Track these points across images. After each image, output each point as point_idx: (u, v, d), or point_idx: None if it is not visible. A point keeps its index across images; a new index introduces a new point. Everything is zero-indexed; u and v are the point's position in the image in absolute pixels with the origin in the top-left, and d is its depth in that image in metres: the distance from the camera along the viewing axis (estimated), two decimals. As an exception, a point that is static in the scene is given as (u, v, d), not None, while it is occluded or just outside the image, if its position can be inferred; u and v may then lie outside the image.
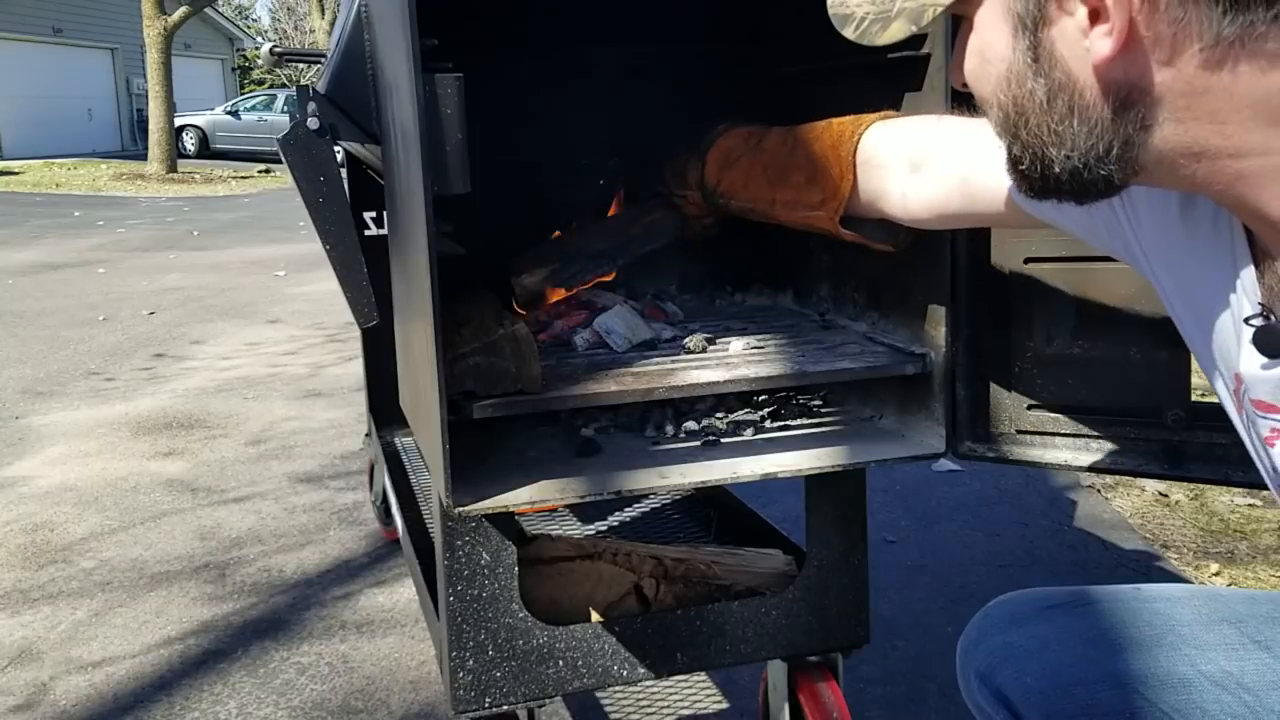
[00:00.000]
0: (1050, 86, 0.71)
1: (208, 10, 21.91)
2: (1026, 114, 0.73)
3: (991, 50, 0.74)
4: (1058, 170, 0.73)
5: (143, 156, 16.98)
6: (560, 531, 1.89)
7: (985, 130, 1.04)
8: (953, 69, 0.82)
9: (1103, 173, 0.72)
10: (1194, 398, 1.21)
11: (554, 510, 1.97)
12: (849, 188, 1.17)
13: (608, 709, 1.91)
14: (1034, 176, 0.76)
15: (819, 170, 1.21)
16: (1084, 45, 0.68)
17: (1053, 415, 1.27)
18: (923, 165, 1.10)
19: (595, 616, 1.36)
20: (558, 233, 1.63)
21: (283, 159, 1.31)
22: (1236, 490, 2.84)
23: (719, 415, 1.32)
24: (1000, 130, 0.77)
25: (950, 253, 1.20)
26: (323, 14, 24.97)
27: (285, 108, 19.44)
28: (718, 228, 1.52)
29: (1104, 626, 0.94)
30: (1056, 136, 0.72)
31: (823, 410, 1.37)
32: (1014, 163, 0.77)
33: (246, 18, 39.41)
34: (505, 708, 1.28)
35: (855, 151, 1.17)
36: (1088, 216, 0.91)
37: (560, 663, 1.29)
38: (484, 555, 1.24)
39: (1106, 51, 0.66)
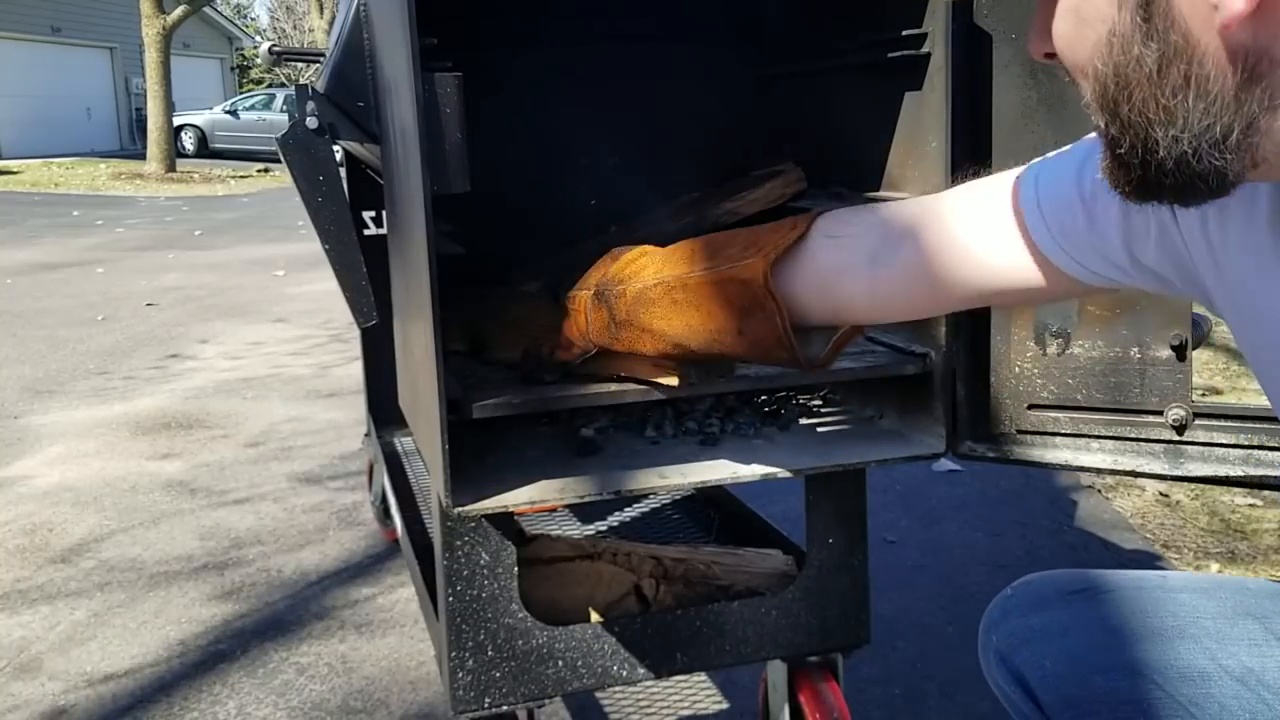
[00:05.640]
0: (1163, 53, 0.59)
1: (206, 9, 21.91)
2: (1130, 86, 0.61)
3: (1091, 8, 0.63)
4: (1162, 155, 0.62)
5: (141, 156, 16.97)
6: (560, 531, 1.89)
7: (976, 190, 0.88)
8: (1035, 35, 0.69)
9: (1215, 163, 0.60)
10: (1194, 398, 1.21)
11: (554, 510, 1.97)
12: (798, 234, 0.93)
13: (608, 709, 1.90)
14: (1134, 164, 0.64)
15: (760, 235, 0.97)
16: (1210, 2, 0.57)
17: (1053, 415, 1.27)
18: (910, 232, 0.90)
19: (595, 617, 1.36)
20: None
21: (282, 158, 1.31)
22: (1237, 490, 2.84)
23: (719, 415, 1.32)
24: (1097, 107, 0.65)
25: (951, 252, 1.19)
26: (321, 13, 24.97)
27: (284, 107, 19.45)
28: (553, 376, 1.17)
29: (1126, 615, 0.94)
30: (1166, 114, 0.60)
31: (823, 410, 1.37)
32: (1111, 146, 0.65)
33: (245, 17, 39.40)
34: (505, 708, 1.28)
35: (818, 213, 0.96)
36: (1128, 252, 0.79)
37: (560, 663, 1.29)
38: (483, 555, 1.23)
39: (1239, 9, 0.55)
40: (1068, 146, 0.84)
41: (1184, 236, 0.76)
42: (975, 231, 0.86)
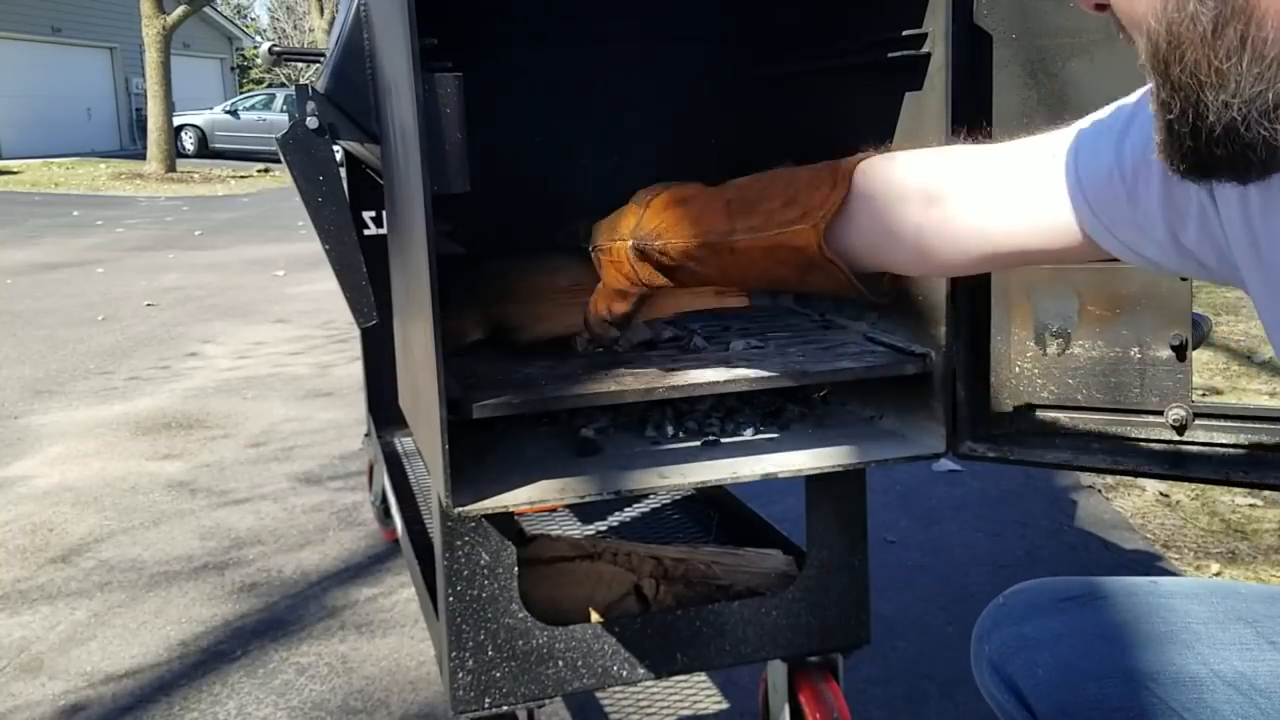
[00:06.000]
0: (1220, 11, 0.57)
1: (206, 9, 21.90)
2: (1183, 45, 0.59)
3: None
4: (1211, 121, 0.60)
5: (141, 156, 16.98)
6: (560, 531, 1.89)
7: (1013, 153, 0.88)
8: None
9: (1264, 132, 0.58)
10: (1194, 398, 1.21)
11: (554, 510, 1.97)
12: (842, 196, 0.94)
13: (608, 709, 1.90)
14: (1184, 132, 0.61)
15: (801, 190, 0.97)
16: None
17: (1053, 415, 1.27)
18: (949, 194, 0.90)
19: (595, 617, 1.36)
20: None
21: (282, 158, 1.31)
22: (1237, 490, 2.84)
23: (719, 415, 1.32)
24: (1148, 65, 0.63)
25: (951, 252, 1.19)
26: (321, 13, 24.97)
27: (284, 107, 19.45)
28: (621, 332, 1.21)
29: (1118, 621, 0.94)
30: (1218, 76, 0.58)
31: (823, 410, 1.37)
32: (1162, 110, 0.63)
33: (245, 17, 39.41)
34: (505, 708, 1.28)
35: (855, 168, 0.96)
36: (1169, 233, 0.78)
37: (560, 663, 1.29)
38: (483, 555, 1.23)
39: None
40: (1104, 112, 0.83)
41: (1223, 222, 0.75)
42: (1017, 205, 0.87)
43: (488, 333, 1.32)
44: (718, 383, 1.17)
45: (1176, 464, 1.22)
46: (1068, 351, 1.24)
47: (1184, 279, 1.15)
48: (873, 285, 1.01)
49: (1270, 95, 0.57)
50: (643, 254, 1.07)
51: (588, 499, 1.13)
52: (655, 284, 1.09)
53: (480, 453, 1.20)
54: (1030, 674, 0.94)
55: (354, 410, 3.87)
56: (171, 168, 16.10)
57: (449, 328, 1.24)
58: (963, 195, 0.90)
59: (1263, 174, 0.62)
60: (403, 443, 2.43)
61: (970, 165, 0.91)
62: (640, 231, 1.07)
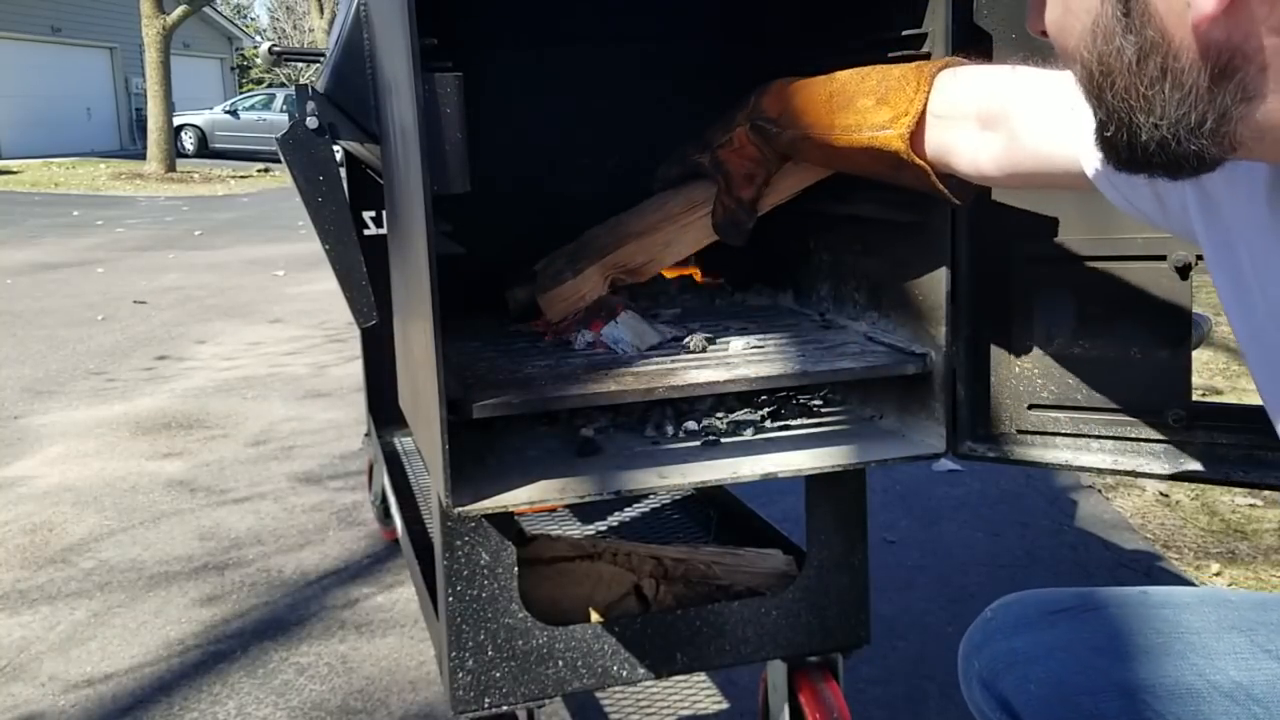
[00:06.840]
0: (1141, 45, 0.62)
1: (206, 9, 21.90)
2: (1113, 74, 0.65)
3: None
4: (1145, 139, 0.65)
5: (141, 156, 16.98)
6: (560, 531, 1.89)
7: (1066, 83, 0.93)
8: (1033, 11, 0.73)
9: (1194, 147, 0.64)
10: (1194, 398, 1.21)
11: (554, 510, 1.97)
12: (923, 102, 1.06)
13: (608, 709, 1.90)
14: (1120, 145, 0.68)
15: (891, 90, 1.09)
16: (1183, 0, 0.60)
17: (1053, 415, 1.27)
18: (996, 122, 1.01)
19: (595, 617, 1.36)
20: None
21: (282, 158, 1.31)
22: (1237, 490, 2.84)
23: (719, 415, 1.32)
24: (1084, 90, 0.69)
25: (950, 253, 1.19)
26: (321, 13, 24.99)
27: (284, 107, 19.45)
28: (752, 219, 1.31)
29: (1110, 633, 0.93)
30: (1146, 102, 0.64)
31: (823, 410, 1.37)
32: (1099, 128, 0.69)
33: (245, 17, 39.42)
34: (505, 708, 1.28)
35: (938, 73, 1.07)
36: (1155, 196, 0.84)
37: (560, 663, 1.29)
38: (483, 555, 1.23)
39: (1209, 9, 0.58)
40: None
41: (1191, 197, 0.80)
42: (1051, 148, 0.95)
43: (610, 282, 1.34)
44: (718, 383, 1.17)
45: (1176, 464, 1.22)
46: (1068, 351, 1.24)
47: (1184, 278, 1.15)
48: (955, 187, 1.10)
49: (1193, 117, 0.62)
50: (759, 133, 1.24)
51: (588, 499, 1.12)
52: (777, 157, 1.25)
53: (480, 453, 1.20)
54: (1023, 690, 0.93)
55: (353, 410, 3.87)
56: (171, 168, 16.10)
57: (558, 295, 1.33)
58: (1012, 126, 0.99)
59: (1195, 175, 0.68)
60: (403, 443, 2.43)
61: (1022, 96, 0.99)
62: (754, 115, 1.24)
